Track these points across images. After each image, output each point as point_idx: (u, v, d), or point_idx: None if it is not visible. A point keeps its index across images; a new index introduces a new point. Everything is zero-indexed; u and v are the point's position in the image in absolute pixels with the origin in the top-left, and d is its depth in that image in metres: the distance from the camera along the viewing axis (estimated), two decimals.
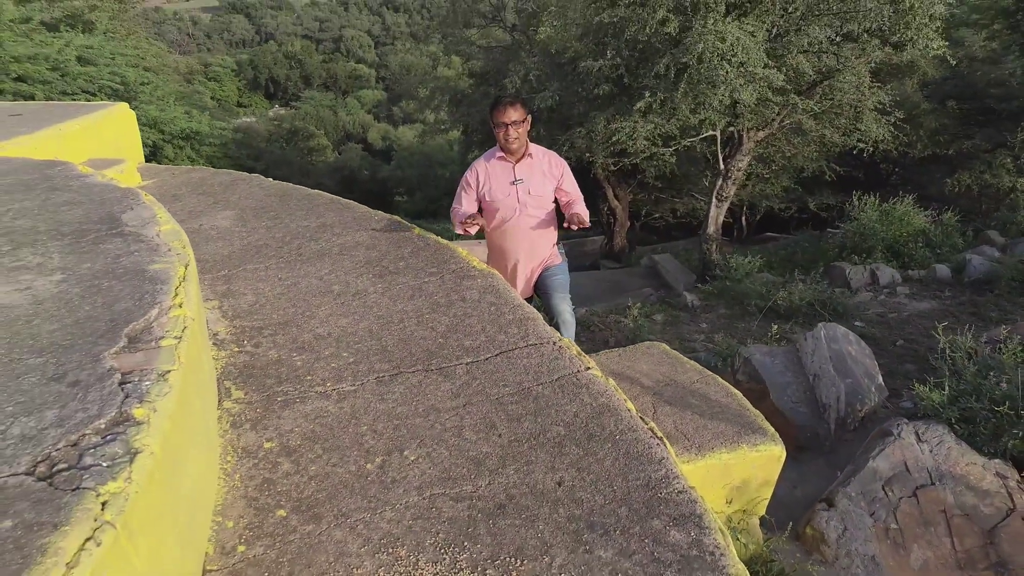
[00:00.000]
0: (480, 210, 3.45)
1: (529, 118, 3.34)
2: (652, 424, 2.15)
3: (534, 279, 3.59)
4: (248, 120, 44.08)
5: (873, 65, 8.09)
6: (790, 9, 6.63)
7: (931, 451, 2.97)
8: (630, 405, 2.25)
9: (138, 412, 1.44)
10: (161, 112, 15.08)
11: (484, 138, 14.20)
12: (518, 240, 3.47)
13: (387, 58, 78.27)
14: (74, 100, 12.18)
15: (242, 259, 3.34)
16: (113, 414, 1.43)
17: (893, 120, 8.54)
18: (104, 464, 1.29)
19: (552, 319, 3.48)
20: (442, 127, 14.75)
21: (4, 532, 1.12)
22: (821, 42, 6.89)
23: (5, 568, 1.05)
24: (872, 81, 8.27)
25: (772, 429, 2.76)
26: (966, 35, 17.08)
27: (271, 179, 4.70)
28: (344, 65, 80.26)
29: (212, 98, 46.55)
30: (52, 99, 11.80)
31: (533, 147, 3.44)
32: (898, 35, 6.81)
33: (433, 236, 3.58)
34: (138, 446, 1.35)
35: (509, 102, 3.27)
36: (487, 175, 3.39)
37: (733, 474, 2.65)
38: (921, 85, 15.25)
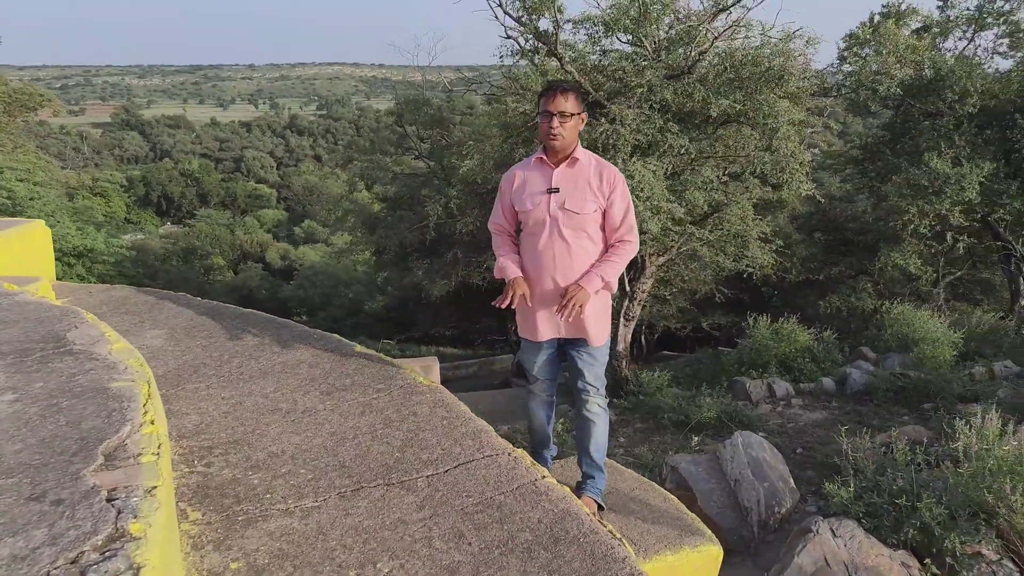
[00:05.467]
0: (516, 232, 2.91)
1: (584, 116, 2.80)
2: (610, 527, 2.27)
3: (563, 329, 2.84)
4: (139, 237, 42.64)
5: (755, 201, 9.13)
6: (684, 152, 7.53)
7: (845, 545, 3.22)
8: (587, 509, 2.36)
9: (134, 527, 1.43)
10: (51, 228, 14.46)
11: (396, 258, 14.47)
12: (544, 265, 2.77)
13: (290, 179, 78.96)
14: None
15: (179, 379, 3.28)
16: (109, 530, 1.41)
17: (775, 248, 9.55)
18: None
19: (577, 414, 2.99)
20: (356, 249, 14.99)
21: None
22: (711, 180, 7.81)
23: None
24: (755, 214, 9.29)
25: (709, 531, 2.92)
26: (824, 176, 19.53)
27: (199, 297, 4.67)
28: (244, 184, 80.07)
29: (101, 214, 44.92)
30: None
31: (584, 153, 2.80)
32: (775, 178, 7.85)
33: (375, 352, 3.66)
34: (140, 561, 1.34)
35: (563, 89, 2.69)
36: (523, 179, 2.83)
37: (678, 575, 2.76)
38: (791, 218, 17.13)
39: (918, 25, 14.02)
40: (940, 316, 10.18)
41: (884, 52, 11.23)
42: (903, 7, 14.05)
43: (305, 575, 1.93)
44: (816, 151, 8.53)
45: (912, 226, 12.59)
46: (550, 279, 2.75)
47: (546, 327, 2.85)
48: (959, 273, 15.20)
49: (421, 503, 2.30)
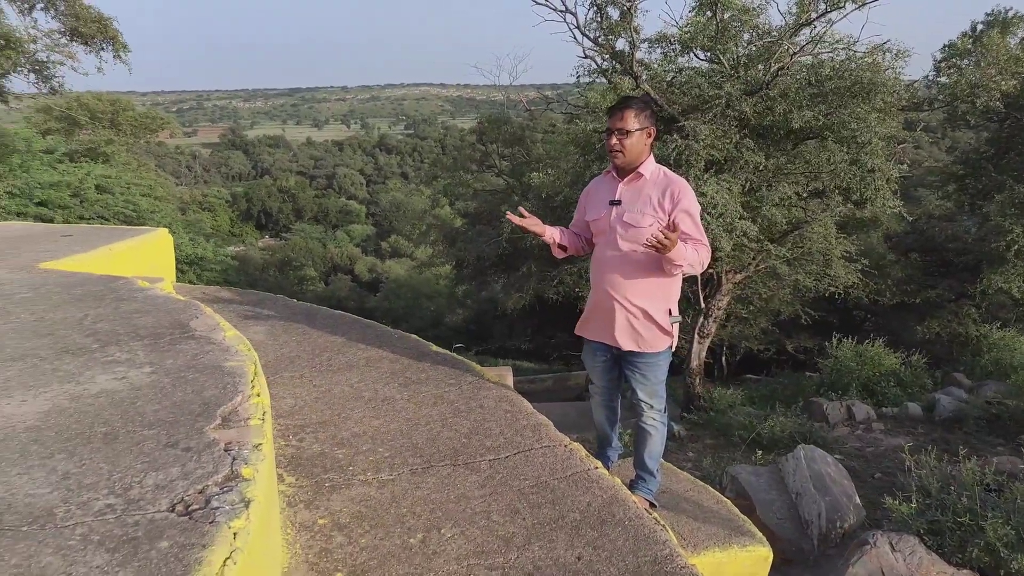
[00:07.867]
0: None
1: (652, 131, 2.80)
2: (655, 514, 2.45)
3: (618, 340, 2.89)
4: (241, 248, 45.41)
5: (838, 218, 8.97)
6: (762, 168, 7.54)
7: (904, 560, 3.23)
8: (635, 498, 2.56)
9: (246, 471, 1.76)
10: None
11: (475, 272, 14.94)
12: (600, 275, 2.87)
13: (378, 195, 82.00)
14: (90, 224, 12.83)
15: (277, 368, 3.69)
16: (227, 472, 1.74)
17: (860, 267, 9.32)
18: (227, 507, 1.60)
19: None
20: (437, 262, 15.59)
21: (164, 549, 1.42)
22: (790, 197, 7.77)
23: (173, 571, 1.34)
24: (839, 232, 9.11)
25: (759, 532, 3.03)
26: (924, 194, 18.66)
27: (294, 299, 5.13)
28: (336, 200, 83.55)
29: (209, 227, 48.12)
30: (70, 223, 12.42)
31: (652, 167, 2.82)
32: (859, 194, 7.72)
33: (449, 352, 3.97)
34: (250, 496, 1.66)
35: (626, 106, 2.74)
36: (595, 190, 2.97)
37: (725, 572, 2.89)
38: (885, 238, 16.46)
39: None
40: None
41: (984, 64, 10.76)
42: (1010, 15, 13.38)
43: (379, 534, 2.23)
44: (904, 167, 8.28)
45: (1016, 247, 11.93)
46: (602, 288, 2.87)
47: (595, 330, 3.01)
48: None
49: (483, 482, 2.56)
